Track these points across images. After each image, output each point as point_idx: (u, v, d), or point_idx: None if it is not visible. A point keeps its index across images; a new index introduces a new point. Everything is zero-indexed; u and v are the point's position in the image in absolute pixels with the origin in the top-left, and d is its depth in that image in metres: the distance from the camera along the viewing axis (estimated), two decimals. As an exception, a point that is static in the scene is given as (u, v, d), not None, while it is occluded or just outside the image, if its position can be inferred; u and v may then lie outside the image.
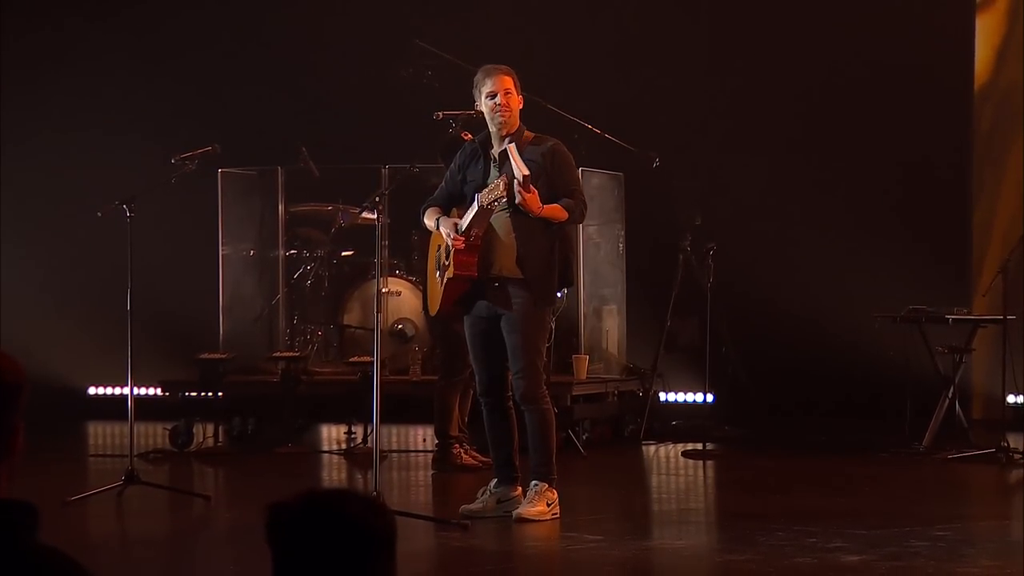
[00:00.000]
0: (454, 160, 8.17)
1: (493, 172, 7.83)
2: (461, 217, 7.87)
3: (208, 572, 7.36)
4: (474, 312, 7.97)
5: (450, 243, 7.87)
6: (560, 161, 7.90)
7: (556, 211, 7.78)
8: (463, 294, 7.94)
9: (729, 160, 12.38)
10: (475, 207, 7.74)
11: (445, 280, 7.95)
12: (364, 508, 2.56)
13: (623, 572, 6.98)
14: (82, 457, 11.30)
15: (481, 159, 7.96)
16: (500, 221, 7.84)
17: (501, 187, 7.61)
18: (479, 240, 7.80)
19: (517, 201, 7.66)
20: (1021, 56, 12.49)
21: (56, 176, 13.18)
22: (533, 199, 7.65)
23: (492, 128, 7.92)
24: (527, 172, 7.59)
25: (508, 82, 7.88)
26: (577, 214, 7.91)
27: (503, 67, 7.95)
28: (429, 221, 8.05)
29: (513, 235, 7.82)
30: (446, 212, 8.02)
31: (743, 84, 12.52)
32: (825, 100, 12.43)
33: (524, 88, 7.98)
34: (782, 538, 7.33)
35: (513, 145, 7.72)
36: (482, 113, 8.01)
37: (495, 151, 7.90)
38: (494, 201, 7.67)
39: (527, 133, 7.95)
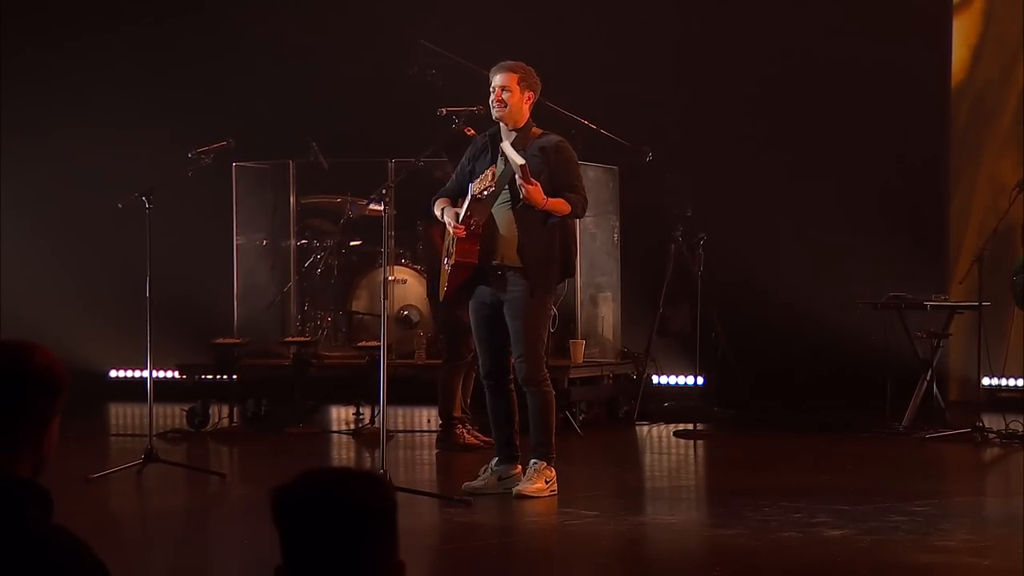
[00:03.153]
0: (465, 153, 8.18)
1: (499, 164, 7.85)
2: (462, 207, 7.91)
3: (223, 545, 7.37)
4: (478, 298, 7.99)
5: (451, 231, 7.89)
6: (563, 157, 7.90)
7: (559, 204, 7.78)
8: (465, 280, 7.95)
9: (718, 154, 12.37)
10: (469, 197, 7.79)
11: (449, 266, 7.99)
12: (363, 485, 2.56)
13: (618, 546, 6.99)
14: (103, 437, 11.30)
15: (488, 152, 7.98)
16: (502, 212, 7.85)
17: (490, 177, 7.67)
18: (480, 229, 7.82)
19: (522, 195, 7.67)
20: (996, 55, 12.49)
21: (80, 169, 13.17)
22: (536, 191, 7.66)
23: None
24: (523, 162, 7.61)
25: (508, 79, 7.88)
26: (579, 208, 7.90)
27: (511, 64, 7.94)
28: (437, 211, 8.08)
29: (514, 226, 7.83)
30: (454, 203, 8.03)
31: (731, 82, 12.51)
32: (810, 97, 12.41)
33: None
34: (769, 513, 7.34)
35: (507, 142, 7.74)
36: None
37: (503, 145, 7.92)
38: (483, 190, 7.72)
39: (535, 129, 7.96)
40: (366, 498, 2.54)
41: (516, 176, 7.63)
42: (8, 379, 2.76)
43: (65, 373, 2.82)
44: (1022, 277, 10.63)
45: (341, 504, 2.52)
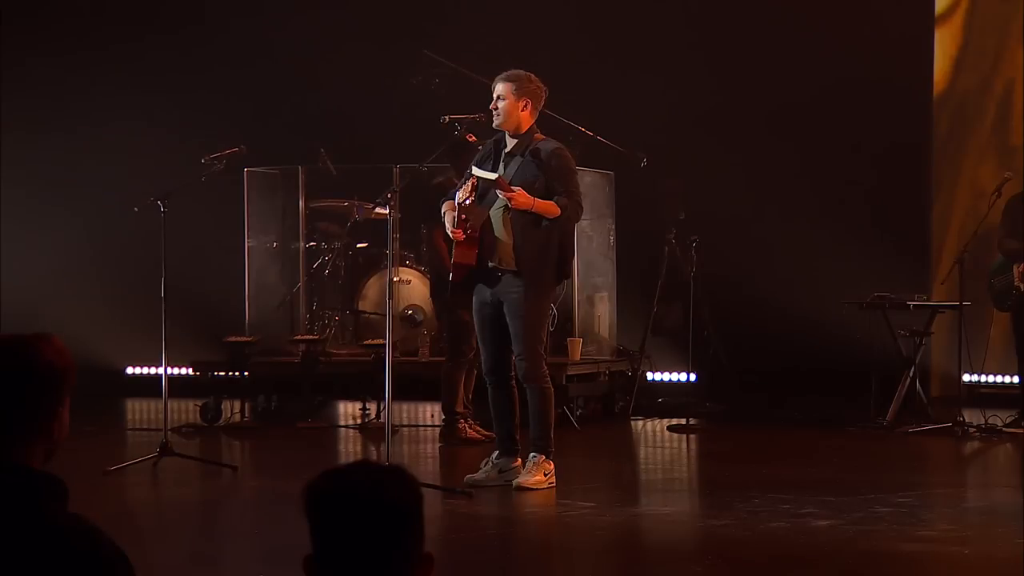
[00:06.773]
0: (473, 159, 8.19)
1: (500, 168, 7.87)
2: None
3: (235, 535, 7.37)
4: (480, 298, 8.00)
5: (451, 234, 7.92)
6: (559, 163, 7.89)
7: (548, 206, 7.77)
8: (463, 279, 7.97)
9: (711, 160, 12.35)
10: (458, 203, 7.86)
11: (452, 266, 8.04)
12: (394, 483, 2.52)
13: (613, 536, 6.99)
14: (120, 431, 11.30)
15: (492, 158, 7.98)
16: (499, 217, 7.86)
17: (469, 187, 7.72)
18: (477, 232, 7.83)
19: (512, 205, 7.71)
20: (976, 66, 12.49)
21: (97, 173, 13.18)
22: (520, 196, 7.68)
23: None
24: (497, 175, 7.68)
25: (503, 88, 7.90)
26: (571, 211, 7.86)
27: (508, 73, 7.94)
28: (442, 212, 8.11)
29: (510, 230, 7.84)
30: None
31: (724, 91, 12.50)
32: (799, 105, 12.39)
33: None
34: (758, 505, 7.34)
35: (475, 167, 7.80)
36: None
37: (506, 149, 7.94)
38: (465, 199, 7.76)
39: (537, 135, 7.96)
40: (398, 496, 2.51)
41: (499, 192, 7.67)
42: (12, 375, 2.74)
43: (69, 362, 2.80)
44: (999, 279, 10.64)
45: (377, 504, 2.49)
